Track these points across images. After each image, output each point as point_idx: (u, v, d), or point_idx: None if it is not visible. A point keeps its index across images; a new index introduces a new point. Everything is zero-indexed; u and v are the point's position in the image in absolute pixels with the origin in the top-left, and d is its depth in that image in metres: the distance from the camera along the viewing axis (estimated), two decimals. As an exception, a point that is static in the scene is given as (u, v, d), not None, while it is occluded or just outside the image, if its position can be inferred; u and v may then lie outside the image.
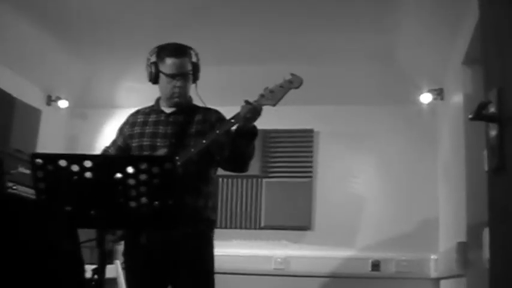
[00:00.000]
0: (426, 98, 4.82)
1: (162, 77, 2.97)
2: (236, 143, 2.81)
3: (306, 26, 4.34)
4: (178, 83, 2.94)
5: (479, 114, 1.43)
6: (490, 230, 1.56)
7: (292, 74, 2.81)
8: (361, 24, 4.26)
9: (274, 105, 2.79)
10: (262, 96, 2.79)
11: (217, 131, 2.82)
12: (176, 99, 2.98)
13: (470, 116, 1.46)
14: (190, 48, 3.01)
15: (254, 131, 2.81)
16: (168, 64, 2.93)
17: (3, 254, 1.43)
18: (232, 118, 2.80)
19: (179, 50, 2.96)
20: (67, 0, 4.12)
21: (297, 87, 2.80)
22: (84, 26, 4.45)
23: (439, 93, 4.75)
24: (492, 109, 1.41)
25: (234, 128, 2.81)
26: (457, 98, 4.04)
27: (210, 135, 2.82)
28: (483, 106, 1.42)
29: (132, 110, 3.18)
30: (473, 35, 3.22)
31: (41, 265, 1.44)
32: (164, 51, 2.97)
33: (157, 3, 4.11)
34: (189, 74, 2.96)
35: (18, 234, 1.44)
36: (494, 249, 1.50)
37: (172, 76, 2.94)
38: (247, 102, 2.75)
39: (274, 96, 2.78)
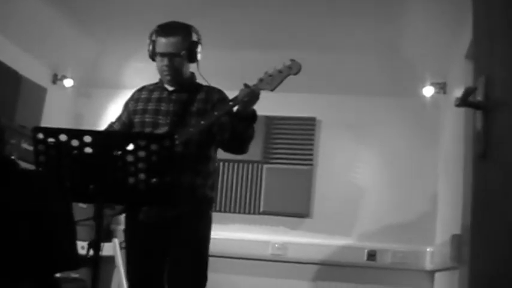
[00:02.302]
0: (429, 91, 4.83)
1: (157, 55, 3.01)
2: (235, 126, 2.85)
3: (311, 15, 4.35)
4: (166, 62, 2.97)
5: (465, 101, 1.46)
6: (472, 215, 1.60)
7: (291, 60, 2.84)
8: (365, 15, 4.28)
9: (272, 90, 2.83)
10: (261, 80, 2.82)
11: (216, 113, 2.86)
12: (167, 77, 3.02)
13: (456, 103, 1.49)
14: (188, 27, 3.02)
15: (253, 115, 2.85)
16: (159, 43, 2.96)
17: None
18: (231, 101, 2.85)
19: (171, 30, 2.97)
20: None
21: (295, 74, 2.83)
22: (93, 5, 4.47)
23: (442, 87, 4.75)
24: (479, 97, 1.44)
25: (235, 109, 2.85)
26: (459, 92, 4.03)
27: (209, 117, 2.86)
28: (469, 93, 1.45)
29: (138, 90, 3.22)
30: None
31: (30, 224, 1.49)
32: (159, 30, 3.00)
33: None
34: (176, 53, 2.96)
35: (8, 193, 1.49)
36: (474, 234, 1.53)
37: (161, 55, 2.97)
38: (246, 85, 2.79)
39: (272, 81, 2.82)
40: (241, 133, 2.88)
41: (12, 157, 3.12)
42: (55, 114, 5.12)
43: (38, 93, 4.81)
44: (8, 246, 1.42)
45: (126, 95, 3.33)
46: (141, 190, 2.34)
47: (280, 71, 2.83)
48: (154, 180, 2.32)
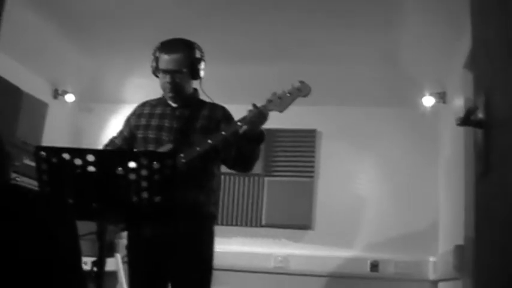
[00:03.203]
0: (429, 101, 4.85)
1: (160, 72, 3.01)
2: (242, 145, 2.85)
3: (311, 27, 4.38)
4: (168, 79, 2.97)
5: (467, 120, 1.47)
6: (475, 232, 1.60)
7: (301, 82, 2.85)
8: (365, 26, 4.30)
9: (281, 111, 2.83)
10: (269, 101, 2.83)
11: (223, 133, 2.85)
12: (169, 94, 3.01)
13: (458, 122, 1.50)
14: (191, 44, 3.02)
15: (261, 136, 2.85)
16: (162, 60, 2.96)
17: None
18: (239, 121, 2.84)
19: (173, 47, 2.97)
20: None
21: (305, 96, 2.84)
22: (93, 21, 4.49)
23: (441, 97, 4.78)
24: (480, 115, 1.45)
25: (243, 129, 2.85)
26: (458, 102, 4.06)
27: (217, 137, 2.85)
28: (471, 112, 1.46)
29: (139, 105, 3.22)
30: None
31: (37, 254, 1.49)
32: (162, 47, 3.00)
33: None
34: (178, 70, 2.96)
35: (14, 223, 1.49)
36: (479, 251, 1.53)
37: (164, 72, 2.97)
38: (254, 106, 2.79)
39: (281, 103, 2.83)
40: (248, 153, 2.89)
41: (18, 178, 3.12)
42: (56, 129, 5.13)
43: (39, 108, 4.81)
44: (11, 282, 1.42)
45: (127, 110, 3.33)
46: (144, 208, 2.34)
47: (289, 93, 2.84)
48: (157, 199, 2.32)
